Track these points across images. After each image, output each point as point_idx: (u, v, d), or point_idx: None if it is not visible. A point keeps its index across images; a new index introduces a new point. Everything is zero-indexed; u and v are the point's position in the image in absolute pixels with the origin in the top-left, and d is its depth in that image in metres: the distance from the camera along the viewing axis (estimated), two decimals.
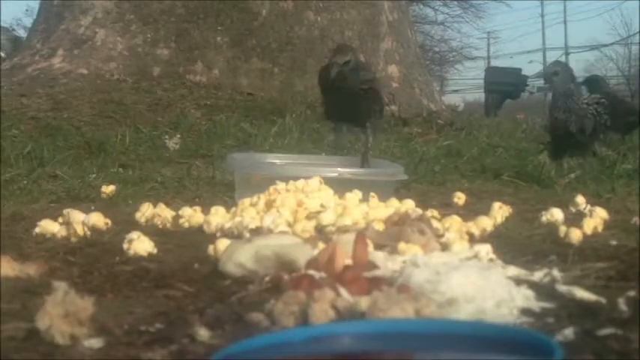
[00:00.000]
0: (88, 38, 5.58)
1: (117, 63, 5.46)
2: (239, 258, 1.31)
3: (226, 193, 2.33)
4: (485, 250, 1.36)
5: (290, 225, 1.69)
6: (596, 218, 1.74)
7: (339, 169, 2.18)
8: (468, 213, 1.89)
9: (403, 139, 4.29)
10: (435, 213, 1.80)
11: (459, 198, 2.16)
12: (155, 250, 1.51)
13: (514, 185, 2.63)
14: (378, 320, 0.94)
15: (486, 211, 1.84)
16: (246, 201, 1.84)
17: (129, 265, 1.41)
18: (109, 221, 1.79)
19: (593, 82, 3.96)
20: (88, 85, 5.21)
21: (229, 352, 0.80)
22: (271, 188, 1.84)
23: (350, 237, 1.30)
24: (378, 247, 1.43)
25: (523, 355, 0.78)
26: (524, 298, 1.08)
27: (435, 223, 1.64)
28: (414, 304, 0.98)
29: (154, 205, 1.89)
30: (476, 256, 1.36)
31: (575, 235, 1.58)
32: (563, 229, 1.62)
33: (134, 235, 1.53)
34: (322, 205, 1.79)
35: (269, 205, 1.79)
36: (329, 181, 1.96)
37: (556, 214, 1.82)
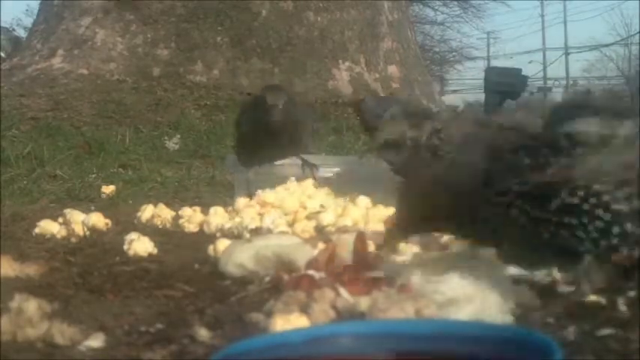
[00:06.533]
0: (88, 38, 5.58)
1: (117, 63, 5.46)
2: (239, 258, 1.31)
3: (226, 193, 2.33)
4: (485, 250, 1.36)
5: (290, 225, 1.69)
6: None
7: (338, 169, 2.18)
8: None
9: None
10: None
11: None
12: (155, 251, 1.51)
13: None
14: (377, 320, 0.94)
15: None
16: (241, 201, 1.84)
17: (129, 265, 1.41)
18: (109, 221, 1.79)
19: None
20: (88, 85, 5.20)
21: (229, 352, 0.80)
22: (260, 198, 1.83)
23: (350, 237, 1.29)
24: (378, 247, 1.43)
25: (523, 355, 0.78)
26: (524, 298, 1.08)
27: None
28: (414, 304, 0.98)
29: (154, 205, 1.89)
30: (476, 257, 1.36)
31: None
32: None
33: (134, 235, 1.53)
34: (322, 206, 1.79)
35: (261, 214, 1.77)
36: (327, 181, 1.97)
37: None
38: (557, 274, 1.24)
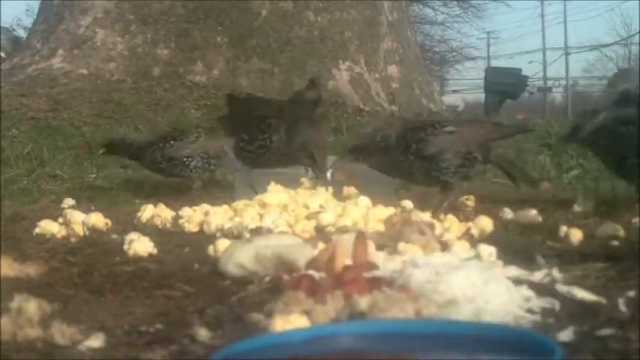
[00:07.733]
0: (88, 38, 5.58)
1: (117, 63, 5.46)
2: (239, 258, 1.31)
3: (226, 193, 2.33)
4: (488, 251, 1.36)
5: (290, 225, 1.69)
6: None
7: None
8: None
9: None
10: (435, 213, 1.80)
11: (469, 199, 2.09)
12: (155, 251, 1.51)
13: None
14: (378, 320, 0.94)
15: (486, 212, 1.84)
16: (241, 202, 1.84)
17: (129, 265, 1.41)
18: (109, 221, 1.79)
19: None
20: (88, 85, 5.21)
21: (229, 352, 0.80)
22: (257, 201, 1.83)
23: (350, 237, 1.29)
24: (378, 247, 1.43)
25: (523, 355, 0.78)
26: (524, 298, 1.08)
27: (435, 224, 1.64)
28: (414, 304, 0.97)
29: (154, 205, 1.89)
30: (476, 257, 1.36)
31: (575, 235, 1.58)
32: (563, 229, 1.62)
33: (134, 235, 1.53)
34: (322, 206, 1.79)
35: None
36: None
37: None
38: (557, 273, 1.24)
